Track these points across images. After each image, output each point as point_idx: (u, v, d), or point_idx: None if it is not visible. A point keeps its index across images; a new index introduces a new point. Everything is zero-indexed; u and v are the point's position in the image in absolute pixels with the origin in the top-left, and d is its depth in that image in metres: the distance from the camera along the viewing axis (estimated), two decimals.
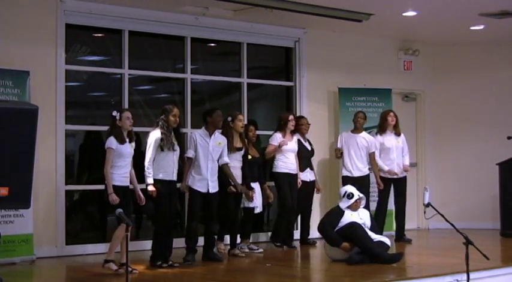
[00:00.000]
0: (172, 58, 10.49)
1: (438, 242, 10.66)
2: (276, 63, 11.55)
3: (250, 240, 9.47)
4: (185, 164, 8.23)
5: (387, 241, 8.26)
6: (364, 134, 10.23)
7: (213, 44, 10.82)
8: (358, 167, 10.06)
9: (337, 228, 8.21)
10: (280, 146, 9.43)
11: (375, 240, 8.11)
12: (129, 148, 7.62)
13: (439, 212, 6.64)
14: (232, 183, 8.50)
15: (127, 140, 7.61)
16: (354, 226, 8.09)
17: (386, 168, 10.18)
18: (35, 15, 8.85)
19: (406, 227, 10.46)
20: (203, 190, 8.23)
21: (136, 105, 9.96)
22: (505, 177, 10.96)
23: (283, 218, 9.55)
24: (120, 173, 7.52)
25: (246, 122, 10.04)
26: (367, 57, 11.62)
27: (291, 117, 9.68)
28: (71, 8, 9.08)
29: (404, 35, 11.81)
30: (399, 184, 10.31)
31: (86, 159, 9.72)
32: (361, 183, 9.63)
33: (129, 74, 9.65)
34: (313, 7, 9.53)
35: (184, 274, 7.65)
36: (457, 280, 6.97)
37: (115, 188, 7.43)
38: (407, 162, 10.36)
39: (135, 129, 9.32)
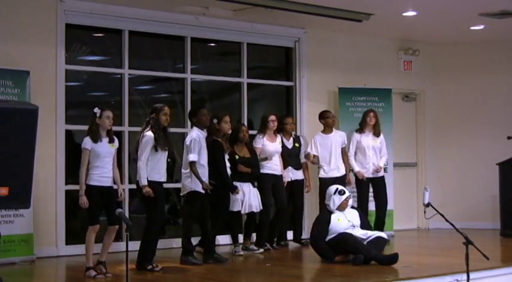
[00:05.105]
0: (172, 58, 10.49)
1: (438, 242, 10.64)
2: (276, 63, 11.54)
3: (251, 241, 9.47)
4: (192, 169, 8.04)
5: (384, 235, 8.27)
6: (335, 131, 10.21)
7: (213, 44, 10.82)
8: (336, 166, 10.02)
9: (328, 238, 8.16)
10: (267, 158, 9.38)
11: (372, 237, 8.11)
12: (107, 147, 7.39)
13: (439, 212, 6.63)
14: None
15: (105, 139, 7.40)
16: (343, 237, 8.03)
17: (356, 168, 10.14)
18: (35, 15, 8.86)
19: (407, 226, 10.45)
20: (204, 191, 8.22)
21: (136, 105, 9.97)
22: (505, 177, 10.95)
23: (264, 221, 9.41)
24: (99, 173, 7.31)
25: (245, 123, 10.09)
26: (367, 57, 11.62)
27: (271, 117, 9.57)
28: (71, 8, 9.09)
29: (404, 35, 11.81)
30: (376, 184, 10.25)
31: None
32: (340, 183, 9.38)
33: (129, 74, 9.66)
34: (313, 7, 9.53)
35: (184, 274, 7.65)
36: (457, 280, 6.96)
37: (93, 187, 7.26)
38: (381, 163, 10.27)
39: (134, 129, 9.37)
